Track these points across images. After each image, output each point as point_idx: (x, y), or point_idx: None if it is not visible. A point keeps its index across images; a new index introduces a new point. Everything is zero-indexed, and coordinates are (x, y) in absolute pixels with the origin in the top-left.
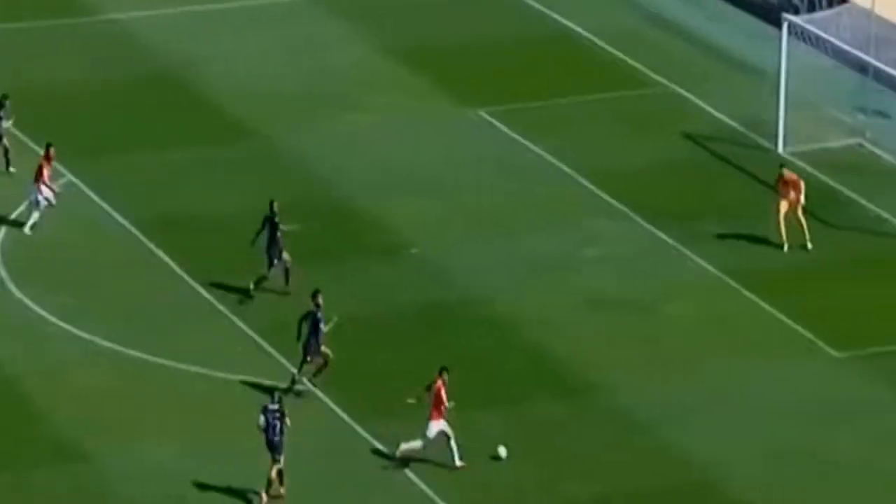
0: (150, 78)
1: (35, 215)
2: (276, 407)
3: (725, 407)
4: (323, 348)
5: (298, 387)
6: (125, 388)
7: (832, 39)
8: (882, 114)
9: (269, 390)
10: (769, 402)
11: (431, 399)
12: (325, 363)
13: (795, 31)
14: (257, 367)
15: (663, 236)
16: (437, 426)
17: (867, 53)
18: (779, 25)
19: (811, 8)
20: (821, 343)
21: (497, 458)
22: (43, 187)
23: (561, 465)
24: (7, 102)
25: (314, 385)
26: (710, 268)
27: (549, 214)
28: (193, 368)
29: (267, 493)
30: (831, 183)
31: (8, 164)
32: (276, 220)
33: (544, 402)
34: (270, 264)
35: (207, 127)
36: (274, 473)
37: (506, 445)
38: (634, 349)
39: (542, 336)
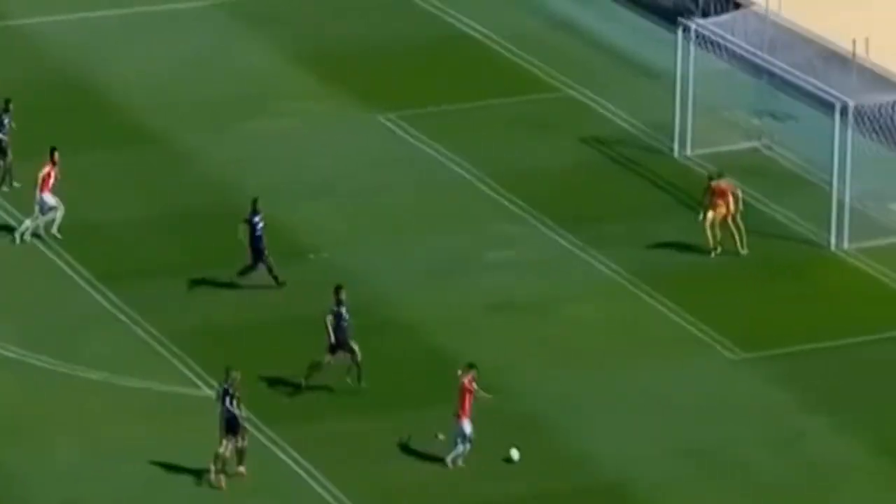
0: (56, 83)
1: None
2: (227, 386)
3: (629, 408)
4: (352, 343)
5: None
6: (27, 396)
7: (730, 43)
8: (780, 117)
9: (226, 370)
10: (672, 403)
11: (459, 395)
12: (354, 359)
13: (693, 35)
14: (160, 374)
15: (566, 240)
16: (468, 423)
17: (764, 57)
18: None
19: (707, 12)
20: (722, 344)
21: (509, 460)
22: (45, 195)
23: (468, 467)
24: (11, 107)
25: (351, 382)
26: (613, 271)
27: (453, 218)
28: (95, 375)
29: (223, 472)
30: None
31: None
32: (258, 219)
33: (450, 404)
34: (261, 258)
35: (111, 132)
36: (229, 452)
37: (517, 448)
38: (540, 352)
39: (447, 339)
